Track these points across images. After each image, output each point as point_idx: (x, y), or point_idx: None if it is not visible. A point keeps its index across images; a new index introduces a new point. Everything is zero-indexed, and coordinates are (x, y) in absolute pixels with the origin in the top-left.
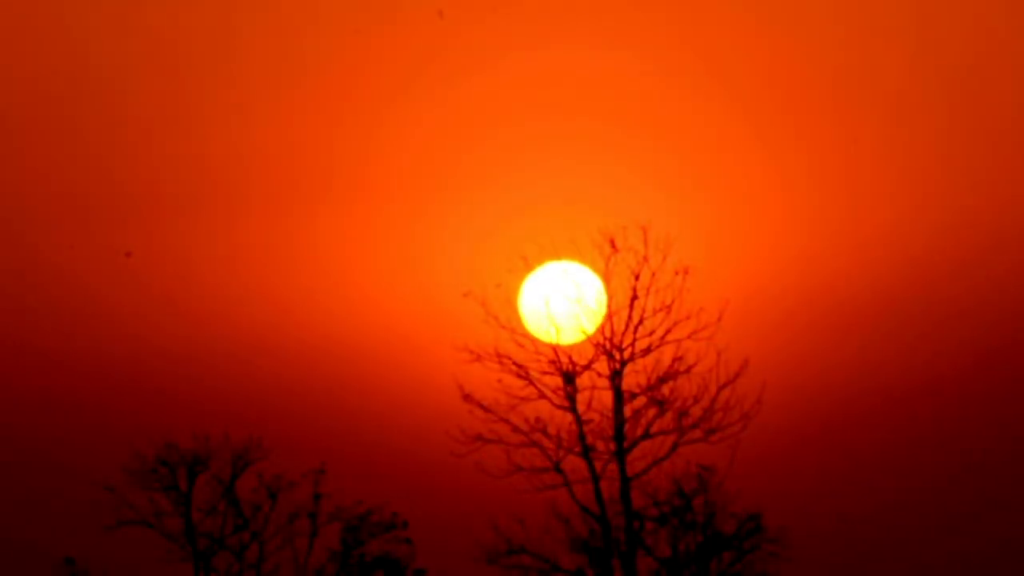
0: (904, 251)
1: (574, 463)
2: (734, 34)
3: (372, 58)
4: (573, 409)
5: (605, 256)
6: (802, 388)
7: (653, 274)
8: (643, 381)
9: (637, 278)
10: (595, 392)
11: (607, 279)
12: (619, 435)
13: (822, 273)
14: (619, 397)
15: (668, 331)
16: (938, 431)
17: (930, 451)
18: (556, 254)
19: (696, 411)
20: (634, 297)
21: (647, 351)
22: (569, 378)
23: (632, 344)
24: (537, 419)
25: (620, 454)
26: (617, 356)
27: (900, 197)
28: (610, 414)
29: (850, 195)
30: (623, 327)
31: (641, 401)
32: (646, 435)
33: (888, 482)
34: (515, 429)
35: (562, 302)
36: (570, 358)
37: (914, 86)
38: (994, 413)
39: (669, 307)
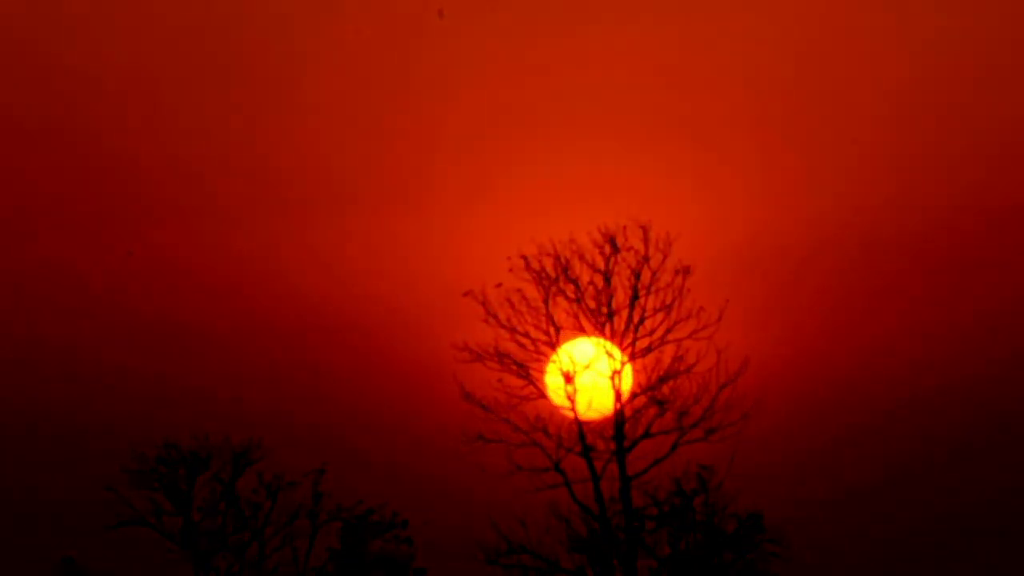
0: (907, 246)
1: (574, 463)
2: (733, 35)
3: (372, 58)
4: (573, 409)
5: (605, 255)
6: (802, 388)
7: (653, 273)
8: (643, 381)
9: (638, 277)
10: (595, 392)
11: (608, 278)
12: (619, 435)
13: (822, 271)
14: (619, 397)
15: (668, 331)
16: (939, 429)
17: (931, 449)
18: (577, 331)
19: (696, 411)
20: (634, 297)
21: (647, 351)
22: (569, 378)
23: (632, 344)
24: (537, 419)
25: (620, 454)
26: (617, 356)
27: (901, 193)
28: (610, 414)
29: (851, 195)
30: (623, 327)
31: (641, 401)
32: (646, 435)
33: (889, 480)
34: (515, 429)
35: (585, 380)
36: (571, 358)
37: (903, 91)
38: (996, 414)
39: (669, 307)
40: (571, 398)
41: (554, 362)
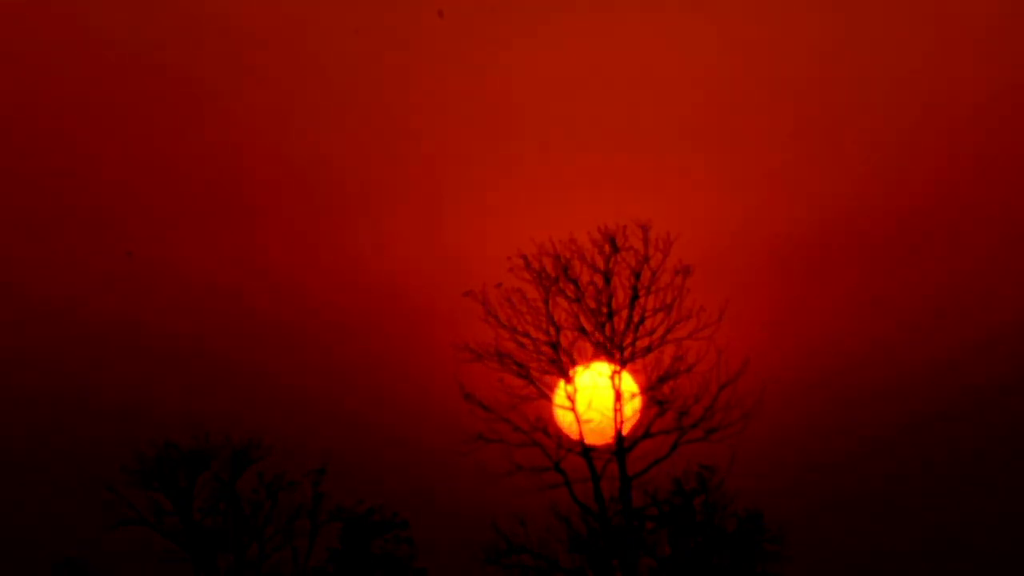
0: (911, 245)
1: (574, 463)
2: (734, 36)
3: (371, 58)
4: (573, 409)
5: (605, 255)
6: (802, 388)
7: (653, 273)
8: (643, 381)
9: (638, 277)
10: (595, 391)
11: (608, 278)
12: (619, 435)
13: (822, 270)
14: (619, 397)
15: (668, 331)
16: (941, 428)
17: (932, 449)
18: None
19: (696, 411)
20: (634, 297)
21: (647, 351)
22: (569, 377)
23: (632, 344)
24: (537, 419)
25: (620, 454)
26: (617, 356)
27: (902, 191)
28: (610, 414)
29: (852, 194)
30: (623, 327)
31: (641, 401)
32: (646, 435)
33: (890, 479)
34: (515, 428)
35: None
36: (571, 358)
37: (906, 90)
38: (997, 412)
39: (669, 307)
40: (571, 398)
41: (564, 385)
